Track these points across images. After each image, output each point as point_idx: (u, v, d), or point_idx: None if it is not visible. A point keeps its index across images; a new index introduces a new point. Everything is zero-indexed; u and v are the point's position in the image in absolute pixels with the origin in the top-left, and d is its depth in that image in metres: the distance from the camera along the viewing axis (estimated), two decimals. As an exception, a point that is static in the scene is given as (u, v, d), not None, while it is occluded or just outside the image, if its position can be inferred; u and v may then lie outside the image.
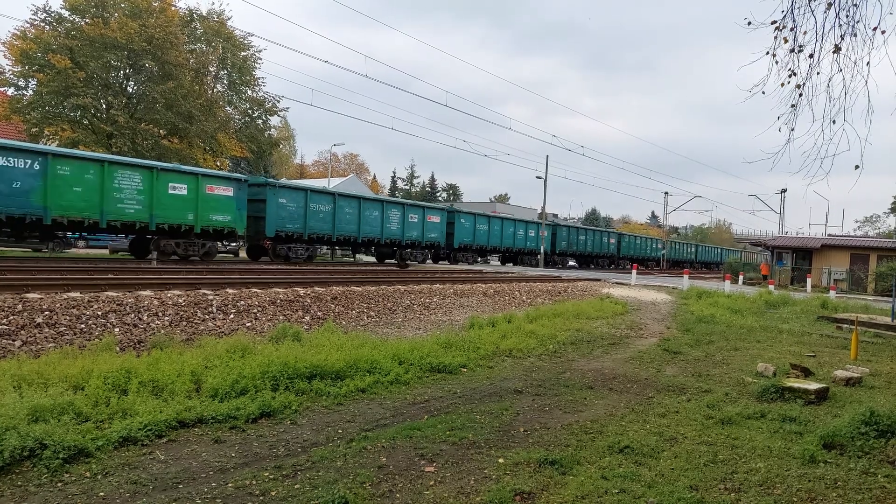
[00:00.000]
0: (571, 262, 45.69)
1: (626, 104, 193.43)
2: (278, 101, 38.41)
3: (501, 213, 46.41)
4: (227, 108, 36.90)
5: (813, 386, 7.04)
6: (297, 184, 29.44)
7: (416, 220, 29.98)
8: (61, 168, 17.15)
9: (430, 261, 33.13)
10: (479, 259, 37.42)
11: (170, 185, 19.78)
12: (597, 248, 46.68)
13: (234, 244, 26.31)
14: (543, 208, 43.65)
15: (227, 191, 21.59)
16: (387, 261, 30.94)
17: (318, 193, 25.76)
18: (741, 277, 32.46)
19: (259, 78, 37.28)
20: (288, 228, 23.96)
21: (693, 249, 68.27)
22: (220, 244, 23.47)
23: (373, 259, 32.70)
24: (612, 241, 48.99)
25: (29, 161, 16.52)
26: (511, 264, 39.31)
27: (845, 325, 14.44)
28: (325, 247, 29.90)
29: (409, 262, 29.37)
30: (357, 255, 34.03)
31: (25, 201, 16.42)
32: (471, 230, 34.48)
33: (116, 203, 18.31)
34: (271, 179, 28.12)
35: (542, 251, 39.05)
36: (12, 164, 16.20)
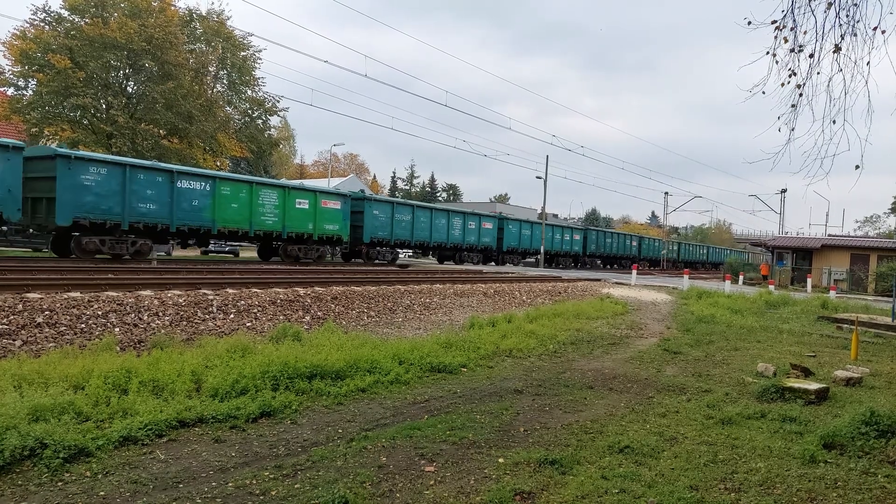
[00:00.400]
0: (598, 262, 48.04)
1: (626, 104, 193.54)
2: (278, 101, 38.45)
3: (549, 221, 48.63)
4: (227, 108, 36.91)
5: (813, 386, 7.04)
6: (384, 198, 33.32)
7: (473, 227, 34.35)
8: (224, 189, 21.39)
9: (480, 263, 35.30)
10: (523, 260, 40.69)
11: (296, 200, 24.09)
12: (620, 250, 50.24)
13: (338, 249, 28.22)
14: (543, 208, 43.66)
15: (335, 204, 25.96)
16: (445, 262, 34.54)
17: (400, 205, 30.23)
18: (741, 277, 32.46)
19: (259, 78, 37.31)
20: (379, 235, 28.25)
21: (704, 251, 69.26)
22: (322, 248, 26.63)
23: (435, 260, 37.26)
24: (634, 243, 53.35)
25: (203, 184, 20.72)
26: (551, 265, 41.92)
27: (845, 326, 14.44)
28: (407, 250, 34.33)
29: (465, 262, 33.53)
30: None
31: (200, 216, 20.62)
32: (516, 235, 38.22)
33: (260, 216, 22.65)
34: (368, 194, 33.28)
35: (541, 251, 39.18)
36: (192, 187, 20.39)
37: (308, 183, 34.86)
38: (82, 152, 19.40)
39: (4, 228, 21.65)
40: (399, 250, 32.00)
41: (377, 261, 28.23)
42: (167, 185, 19.50)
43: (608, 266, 48.84)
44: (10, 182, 16.19)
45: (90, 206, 17.57)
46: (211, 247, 34.14)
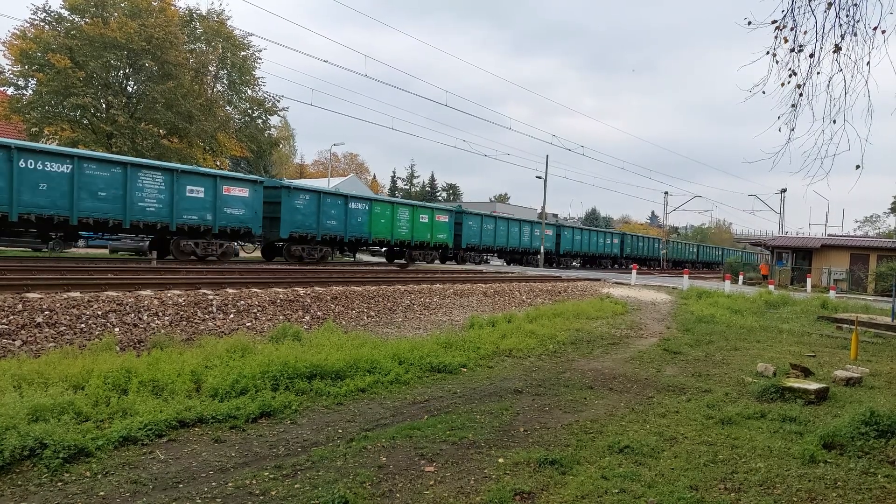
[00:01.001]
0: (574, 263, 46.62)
1: (626, 105, 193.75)
2: (278, 101, 38.43)
3: (510, 214, 46.17)
4: (227, 107, 36.90)
5: (813, 386, 7.04)
6: (475, 211, 36.87)
7: (425, 221, 32.47)
8: (376, 208, 27.44)
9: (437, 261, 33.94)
10: (483, 258, 38.61)
11: (420, 216, 30.14)
12: (600, 248, 48.56)
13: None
14: (543, 208, 43.65)
15: (445, 218, 31.81)
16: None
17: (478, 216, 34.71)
18: (741, 277, 32.46)
19: (259, 78, 37.31)
20: (472, 242, 33.94)
21: (695, 250, 69.02)
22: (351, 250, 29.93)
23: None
24: (616, 241, 50.99)
25: (364, 205, 26.86)
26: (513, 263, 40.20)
27: (845, 325, 14.44)
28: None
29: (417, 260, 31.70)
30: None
31: (362, 229, 26.64)
32: (477, 232, 35.25)
33: (398, 229, 28.48)
34: (457, 206, 37.50)
35: (541, 251, 39.11)
36: (357, 208, 26.35)
37: (415, 201, 37.31)
38: (296, 182, 25.06)
39: (255, 243, 26.14)
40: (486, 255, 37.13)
41: (468, 262, 33.81)
42: (343, 206, 25.74)
43: (588, 265, 46.10)
44: (257, 207, 22.41)
45: (299, 223, 23.93)
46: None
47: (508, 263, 39.48)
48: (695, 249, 68.69)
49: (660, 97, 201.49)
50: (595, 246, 44.11)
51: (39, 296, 8.63)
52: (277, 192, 23.32)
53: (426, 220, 30.19)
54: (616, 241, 47.20)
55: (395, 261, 30.96)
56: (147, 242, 23.13)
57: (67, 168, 17.04)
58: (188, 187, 20.20)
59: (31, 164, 16.38)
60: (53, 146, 22.17)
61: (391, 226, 28.05)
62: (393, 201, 29.98)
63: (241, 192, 21.91)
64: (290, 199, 23.49)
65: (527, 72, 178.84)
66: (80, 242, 32.28)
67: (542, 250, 39.03)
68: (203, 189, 20.57)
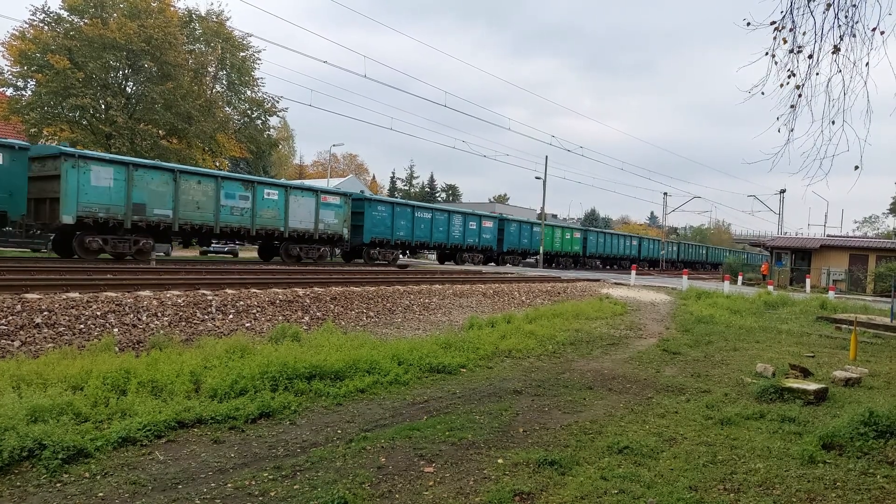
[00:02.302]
0: (597, 263, 48.44)
1: (625, 106, 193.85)
2: (277, 102, 38.45)
3: (551, 222, 49.80)
4: (227, 108, 36.91)
5: (812, 386, 7.04)
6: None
7: (473, 227, 35.12)
8: (424, 214, 30.97)
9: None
10: (524, 260, 40.67)
11: (469, 222, 33.69)
12: (621, 251, 50.67)
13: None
14: (543, 208, 43.65)
15: (489, 223, 35.19)
16: (445, 262, 35.27)
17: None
18: (740, 278, 32.47)
19: (258, 78, 37.31)
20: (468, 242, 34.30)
21: (704, 251, 69.61)
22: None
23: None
24: (634, 244, 54.05)
25: (427, 213, 30.79)
26: (551, 265, 42.09)
27: (844, 326, 14.44)
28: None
29: (466, 262, 34.53)
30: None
31: (426, 235, 30.40)
32: (516, 235, 38.49)
33: (451, 233, 32.04)
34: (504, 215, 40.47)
35: (541, 251, 39.15)
36: (423, 216, 30.09)
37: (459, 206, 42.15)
38: (375, 195, 28.18)
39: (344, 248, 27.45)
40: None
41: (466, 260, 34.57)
42: (411, 215, 29.06)
43: (608, 266, 48.85)
44: (346, 216, 25.74)
45: (378, 231, 27.26)
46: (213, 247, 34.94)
47: (551, 265, 41.41)
48: (703, 251, 69.18)
49: (658, 98, 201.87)
50: (550, 243, 43.27)
51: (38, 296, 8.63)
52: (360, 203, 26.97)
53: (475, 227, 34.06)
54: (578, 236, 46.58)
55: (445, 262, 34.74)
56: (437, 253, 32.86)
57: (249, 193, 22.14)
58: (469, 223, 26.37)
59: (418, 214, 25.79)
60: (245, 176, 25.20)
61: (447, 231, 31.96)
62: (449, 210, 33.44)
63: (335, 201, 25.59)
64: (371, 209, 27.32)
65: (525, 73, 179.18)
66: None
67: (541, 251, 39.05)
68: (475, 223, 26.67)
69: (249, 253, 37.45)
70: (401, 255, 31.02)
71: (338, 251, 27.78)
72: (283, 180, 26.64)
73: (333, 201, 25.36)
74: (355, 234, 26.79)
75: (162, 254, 29.34)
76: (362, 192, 35.02)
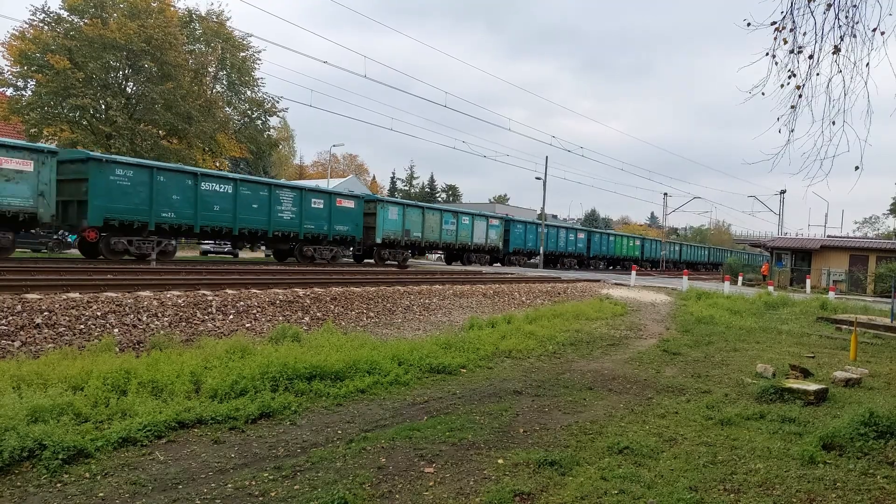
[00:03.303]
0: (601, 264, 48.63)
1: (624, 107, 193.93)
2: (277, 102, 38.45)
3: (554, 223, 50.57)
4: (227, 108, 36.91)
5: (812, 387, 7.04)
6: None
7: (481, 228, 35.43)
8: (464, 219, 33.05)
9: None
10: (528, 261, 40.85)
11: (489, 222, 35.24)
12: (624, 251, 50.95)
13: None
14: (543, 209, 43.66)
15: (496, 222, 35.88)
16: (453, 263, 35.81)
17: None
18: (741, 278, 32.47)
19: (258, 78, 37.32)
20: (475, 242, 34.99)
21: (705, 252, 69.85)
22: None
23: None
24: (637, 244, 54.32)
25: (437, 214, 31.36)
26: (555, 266, 42.06)
27: (844, 327, 14.44)
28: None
29: (473, 263, 34.91)
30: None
31: (437, 236, 30.86)
32: (522, 236, 38.78)
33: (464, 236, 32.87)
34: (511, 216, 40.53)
35: (541, 252, 39.16)
36: (434, 217, 30.73)
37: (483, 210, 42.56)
38: (386, 198, 29.65)
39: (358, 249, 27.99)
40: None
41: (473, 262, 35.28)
42: (421, 215, 29.77)
43: (612, 267, 48.97)
44: (358, 219, 26.25)
45: (390, 231, 27.62)
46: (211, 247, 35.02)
47: (555, 266, 41.48)
48: (703, 252, 69.47)
49: (658, 99, 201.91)
50: (555, 243, 43.98)
51: (39, 296, 8.62)
52: (373, 204, 27.56)
53: (482, 227, 34.31)
54: (582, 236, 47.02)
55: (453, 262, 35.27)
56: (444, 255, 34.61)
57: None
58: (312, 200, 24.47)
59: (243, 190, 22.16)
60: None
61: (455, 232, 32.27)
62: (458, 210, 33.85)
63: (349, 204, 26.09)
64: (385, 211, 27.81)
65: (523, 74, 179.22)
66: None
67: (541, 251, 39.06)
68: (322, 202, 24.88)
69: (250, 254, 37.44)
70: (410, 256, 31.23)
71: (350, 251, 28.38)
72: (300, 182, 27.78)
73: (347, 205, 25.95)
74: (367, 236, 27.23)
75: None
76: (374, 194, 35.31)
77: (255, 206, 22.11)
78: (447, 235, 31.74)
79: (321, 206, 24.77)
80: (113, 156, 20.21)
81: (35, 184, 16.97)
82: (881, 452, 5.11)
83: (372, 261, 28.86)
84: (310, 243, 24.72)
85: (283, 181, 27.66)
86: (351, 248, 27.92)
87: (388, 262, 28.11)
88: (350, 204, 26.33)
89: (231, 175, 22.59)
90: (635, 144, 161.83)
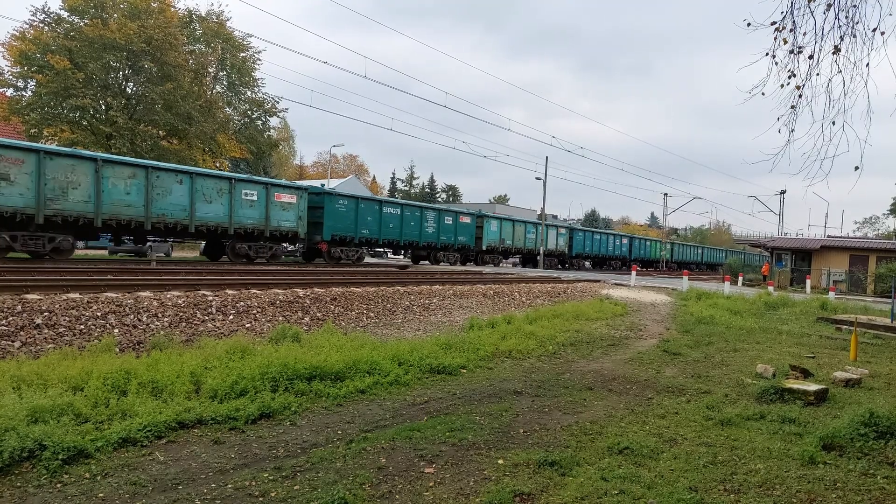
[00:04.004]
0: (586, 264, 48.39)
1: (624, 108, 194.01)
2: (277, 102, 38.48)
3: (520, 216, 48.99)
4: (227, 108, 36.94)
5: (812, 387, 7.04)
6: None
7: (449, 224, 33.78)
8: (466, 219, 33.16)
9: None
10: (505, 260, 40.34)
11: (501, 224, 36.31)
12: (609, 250, 50.53)
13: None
14: (543, 209, 43.67)
15: (467, 220, 34.04)
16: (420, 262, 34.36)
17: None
18: (741, 279, 32.47)
19: (258, 79, 37.35)
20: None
21: (700, 251, 69.94)
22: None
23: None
24: (625, 242, 54.47)
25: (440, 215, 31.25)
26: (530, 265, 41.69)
27: (845, 327, 14.44)
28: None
29: (441, 262, 33.47)
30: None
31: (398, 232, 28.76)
32: (497, 233, 37.48)
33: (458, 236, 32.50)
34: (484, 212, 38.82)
35: (541, 252, 39.14)
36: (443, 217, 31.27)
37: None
38: (333, 192, 26.74)
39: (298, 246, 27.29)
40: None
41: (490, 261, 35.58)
42: (418, 214, 29.79)
43: (599, 267, 47.94)
44: (302, 213, 23.91)
45: (339, 228, 25.70)
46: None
47: (535, 266, 40.76)
48: (699, 251, 69.35)
49: (657, 99, 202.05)
50: (608, 248, 47.37)
51: (39, 297, 8.63)
52: (321, 198, 25.65)
53: (450, 223, 32.06)
54: (625, 241, 50.55)
55: (420, 262, 33.16)
56: (459, 256, 33.40)
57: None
58: (244, 192, 22.20)
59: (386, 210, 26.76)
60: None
61: (419, 229, 29.96)
62: (422, 206, 31.75)
63: (289, 198, 23.87)
64: (333, 204, 25.83)
65: (523, 74, 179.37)
66: (80, 243, 32.17)
67: (542, 251, 39.04)
68: (255, 194, 22.63)
69: (180, 253, 35.66)
70: (366, 255, 29.29)
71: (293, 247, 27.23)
72: (228, 172, 26.06)
73: (288, 198, 23.23)
74: (315, 232, 25.04)
75: (162, 254, 29.52)
76: (320, 187, 30.31)
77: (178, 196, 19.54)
78: (410, 232, 29.22)
79: (255, 198, 22.08)
80: (336, 190, 26.27)
81: (297, 212, 23.78)
82: (881, 453, 5.11)
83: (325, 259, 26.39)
84: (243, 240, 22.40)
85: (207, 170, 24.27)
86: (295, 246, 25.95)
87: (343, 261, 25.91)
88: (291, 198, 23.71)
89: (141, 162, 20.03)
90: (635, 144, 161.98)
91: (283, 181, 27.82)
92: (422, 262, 32.81)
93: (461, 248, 32.70)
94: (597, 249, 45.89)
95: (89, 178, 17.73)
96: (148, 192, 19.00)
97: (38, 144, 20.55)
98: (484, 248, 33.75)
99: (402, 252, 37.08)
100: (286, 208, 23.48)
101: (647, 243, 54.83)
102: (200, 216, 20.49)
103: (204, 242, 26.91)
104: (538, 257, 38.70)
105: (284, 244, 25.09)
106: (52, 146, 23.24)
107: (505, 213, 54.32)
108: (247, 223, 21.98)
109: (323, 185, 35.12)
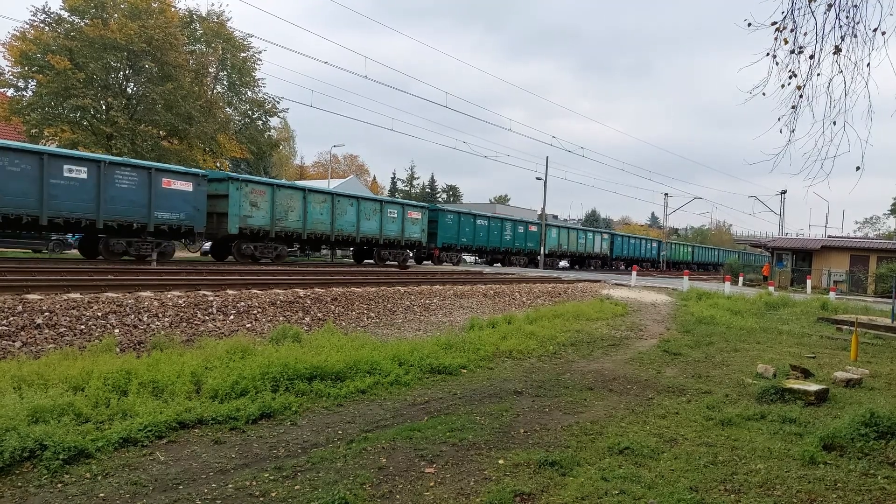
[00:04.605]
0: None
1: (624, 108, 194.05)
2: (278, 102, 38.46)
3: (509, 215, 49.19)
4: (227, 109, 36.91)
5: (813, 387, 7.04)
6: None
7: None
8: (481, 220, 36.27)
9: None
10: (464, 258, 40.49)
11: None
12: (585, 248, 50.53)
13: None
14: (543, 209, 43.66)
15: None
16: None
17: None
18: (741, 279, 32.46)
19: (259, 79, 37.33)
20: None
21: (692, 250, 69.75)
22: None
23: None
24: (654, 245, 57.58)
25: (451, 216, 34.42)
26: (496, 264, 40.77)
27: (845, 327, 14.43)
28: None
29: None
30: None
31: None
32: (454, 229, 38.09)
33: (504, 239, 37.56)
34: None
35: (542, 252, 39.16)
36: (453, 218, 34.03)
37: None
38: (242, 176, 24.95)
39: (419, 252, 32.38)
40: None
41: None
42: (402, 214, 29.77)
43: (576, 266, 46.43)
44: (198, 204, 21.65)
45: (447, 237, 31.69)
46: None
47: (490, 263, 39.88)
48: (715, 253, 69.81)
49: (657, 99, 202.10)
50: (587, 246, 48.97)
51: (39, 297, 8.63)
52: (225, 184, 22.58)
53: (522, 231, 38.90)
54: (605, 237, 51.58)
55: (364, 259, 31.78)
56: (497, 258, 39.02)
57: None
58: (116, 177, 18.61)
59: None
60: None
61: (356, 222, 27.13)
62: (357, 196, 29.12)
63: (183, 186, 20.42)
64: (239, 193, 22.46)
65: (523, 75, 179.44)
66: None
67: (542, 251, 39.04)
68: (135, 180, 19.15)
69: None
70: (287, 252, 25.98)
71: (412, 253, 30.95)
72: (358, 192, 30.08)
73: (181, 186, 20.14)
74: (217, 225, 22.32)
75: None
76: (227, 171, 29.82)
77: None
78: (344, 225, 26.03)
79: (395, 216, 26.97)
80: (444, 205, 33.30)
81: (421, 225, 29.97)
82: (882, 453, 5.11)
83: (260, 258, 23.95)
84: (387, 248, 26.34)
85: (367, 194, 26.75)
86: (187, 240, 23.35)
87: (263, 259, 23.22)
88: (417, 214, 29.49)
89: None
90: (636, 145, 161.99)
91: (413, 202, 32.47)
92: (495, 264, 38.75)
93: (529, 252, 39.27)
94: (631, 252, 51.50)
95: (300, 203, 23.94)
96: (333, 213, 25.11)
97: (274, 179, 25.62)
98: (546, 252, 39.42)
99: (483, 256, 39.56)
100: (414, 223, 29.68)
101: (575, 234, 51.13)
102: (363, 231, 26.66)
103: (209, 243, 26.35)
104: (538, 257, 39.63)
105: (408, 250, 30.48)
106: (282, 180, 28.09)
107: (506, 213, 54.25)
108: (390, 235, 28.13)
109: (326, 184, 35.60)
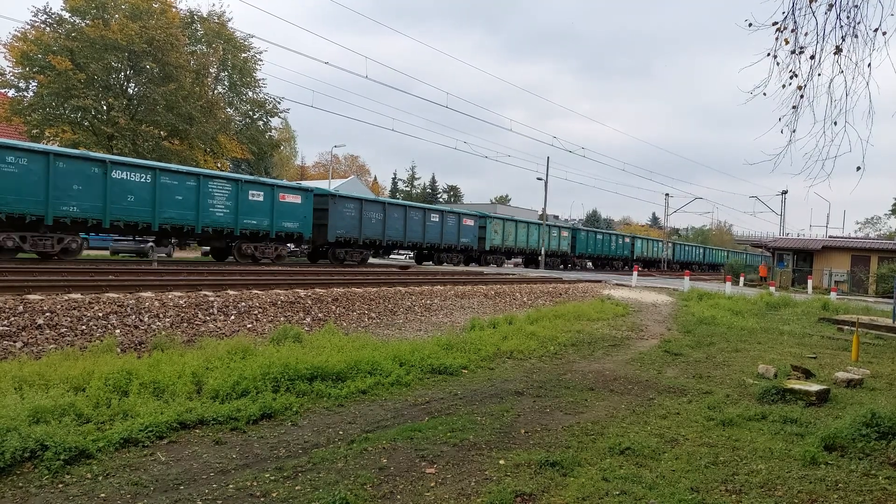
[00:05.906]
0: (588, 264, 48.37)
1: (624, 109, 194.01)
2: (279, 103, 38.51)
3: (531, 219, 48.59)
4: (228, 109, 36.96)
5: (814, 387, 7.03)
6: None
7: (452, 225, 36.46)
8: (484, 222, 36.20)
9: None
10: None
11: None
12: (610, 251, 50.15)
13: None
14: (544, 210, 43.66)
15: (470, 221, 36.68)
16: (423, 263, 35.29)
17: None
18: (742, 279, 32.44)
19: (259, 79, 37.39)
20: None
21: (700, 251, 69.83)
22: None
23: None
24: (627, 241, 55.00)
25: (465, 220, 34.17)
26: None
27: (846, 327, 14.42)
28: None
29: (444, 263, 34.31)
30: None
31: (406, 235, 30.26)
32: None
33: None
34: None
35: (542, 252, 39.12)
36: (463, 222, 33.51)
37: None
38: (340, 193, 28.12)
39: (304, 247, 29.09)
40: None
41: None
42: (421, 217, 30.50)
43: (566, 266, 45.47)
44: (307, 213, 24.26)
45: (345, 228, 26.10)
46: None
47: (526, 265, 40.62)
48: (700, 251, 69.32)
49: (658, 99, 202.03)
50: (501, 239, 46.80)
51: (40, 297, 8.64)
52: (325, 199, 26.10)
53: (453, 224, 34.24)
54: (599, 237, 49.11)
55: (423, 262, 34.23)
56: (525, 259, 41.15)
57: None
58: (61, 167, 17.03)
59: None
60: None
61: (421, 230, 30.79)
62: (425, 208, 32.82)
63: (139, 177, 18.91)
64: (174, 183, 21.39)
65: (523, 75, 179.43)
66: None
67: (542, 252, 39.02)
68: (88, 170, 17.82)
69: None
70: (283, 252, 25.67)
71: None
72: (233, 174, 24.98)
73: (138, 178, 18.62)
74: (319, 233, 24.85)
75: (164, 255, 29.54)
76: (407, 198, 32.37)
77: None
78: (414, 234, 29.03)
79: (260, 199, 21.51)
80: (495, 214, 36.82)
81: (473, 231, 32.96)
82: (883, 453, 5.10)
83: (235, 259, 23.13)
84: (447, 251, 27.99)
85: (213, 172, 23.43)
86: (139, 238, 22.94)
87: (263, 260, 22.92)
88: (471, 221, 33.13)
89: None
90: (636, 145, 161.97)
91: (463, 210, 34.74)
92: (473, 265, 35.53)
93: (464, 248, 33.48)
94: (599, 250, 46.15)
95: (381, 215, 27.01)
96: (385, 222, 27.10)
97: (371, 195, 28.35)
98: (487, 248, 34.82)
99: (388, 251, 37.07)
100: (469, 229, 32.69)
101: (650, 243, 54.89)
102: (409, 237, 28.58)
103: (209, 246, 26.19)
104: (538, 258, 38.80)
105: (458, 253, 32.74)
106: (370, 195, 30.32)
107: (506, 213, 54.24)
108: (448, 241, 31.02)
109: (333, 188, 35.76)
